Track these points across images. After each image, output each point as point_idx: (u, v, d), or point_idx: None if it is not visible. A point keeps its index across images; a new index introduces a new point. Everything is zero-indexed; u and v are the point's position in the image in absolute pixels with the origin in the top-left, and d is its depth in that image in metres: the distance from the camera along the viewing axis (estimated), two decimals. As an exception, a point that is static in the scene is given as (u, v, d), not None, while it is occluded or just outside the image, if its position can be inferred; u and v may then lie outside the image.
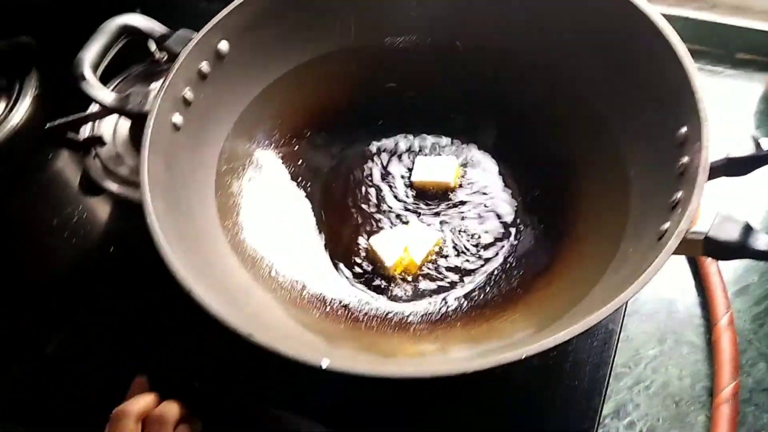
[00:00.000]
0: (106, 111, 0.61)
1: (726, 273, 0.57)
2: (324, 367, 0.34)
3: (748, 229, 0.37)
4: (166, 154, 0.48)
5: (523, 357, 0.34)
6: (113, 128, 0.66)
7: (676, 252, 0.37)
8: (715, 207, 0.40)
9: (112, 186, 0.62)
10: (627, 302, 0.50)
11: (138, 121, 0.50)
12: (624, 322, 0.54)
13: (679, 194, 0.40)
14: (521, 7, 0.55)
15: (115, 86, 0.69)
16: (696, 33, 0.70)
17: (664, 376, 0.53)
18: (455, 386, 0.47)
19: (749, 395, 0.52)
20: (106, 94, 0.54)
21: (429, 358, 0.47)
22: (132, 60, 0.70)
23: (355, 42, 0.59)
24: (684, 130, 0.42)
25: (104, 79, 0.56)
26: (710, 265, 0.57)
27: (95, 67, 0.55)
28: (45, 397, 0.56)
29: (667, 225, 0.39)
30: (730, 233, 0.37)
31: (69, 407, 0.54)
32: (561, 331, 0.35)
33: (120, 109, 0.54)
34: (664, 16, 0.46)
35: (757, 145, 0.40)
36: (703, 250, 0.38)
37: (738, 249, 0.37)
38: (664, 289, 0.57)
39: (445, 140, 0.62)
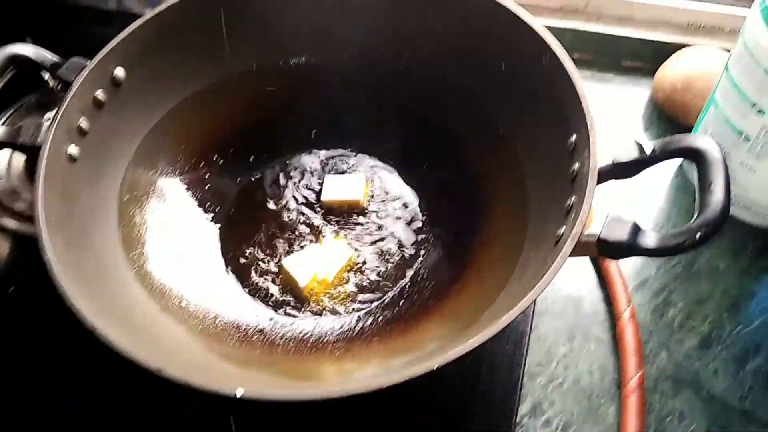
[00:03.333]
0: (-4, 145, 0.58)
1: (625, 269, 0.60)
2: (239, 396, 0.34)
3: (636, 229, 0.39)
4: (63, 188, 0.47)
5: (435, 368, 0.35)
6: (7, 162, 0.63)
7: (572, 254, 0.38)
8: (607, 209, 0.42)
9: (9, 222, 0.59)
10: (535, 303, 0.52)
11: (32, 154, 0.48)
12: (535, 322, 0.55)
13: (572, 199, 0.41)
14: (414, 22, 0.56)
15: (7, 118, 0.65)
16: (584, 43, 0.74)
17: (576, 372, 0.54)
18: (373, 401, 0.48)
19: (654, 384, 0.54)
20: (-6, 129, 0.52)
21: (347, 377, 0.47)
22: (25, 90, 0.66)
23: (255, 65, 0.59)
24: (574, 137, 0.44)
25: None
26: (610, 262, 0.60)
27: (-17, 101, 0.52)
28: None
29: (562, 229, 0.40)
30: (620, 234, 0.39)
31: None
32: (471, 338, 0.36)
33: (11, 143, 0.52)
34: (554, 29, 0.48)
35: (641, 149, 0.42)
36: (597, 250, 0.40)
37: (628, 248, 0.39)
38: (570, 288, 0.59)
39: (351, 156, 0.63)
